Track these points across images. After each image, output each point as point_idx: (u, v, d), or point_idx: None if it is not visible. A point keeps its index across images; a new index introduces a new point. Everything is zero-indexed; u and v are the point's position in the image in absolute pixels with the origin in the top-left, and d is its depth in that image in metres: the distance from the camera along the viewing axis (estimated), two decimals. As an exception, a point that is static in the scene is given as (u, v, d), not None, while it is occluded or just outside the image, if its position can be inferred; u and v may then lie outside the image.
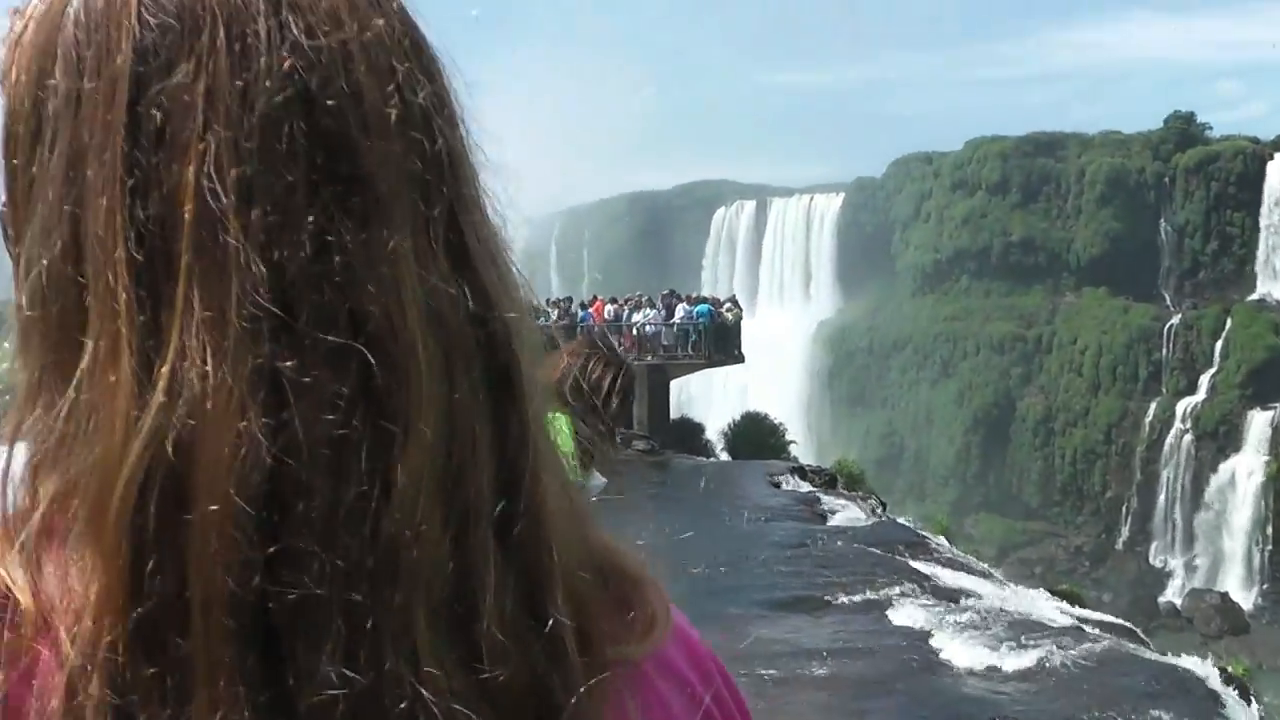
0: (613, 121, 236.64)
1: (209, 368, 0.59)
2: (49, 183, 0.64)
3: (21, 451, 0.65)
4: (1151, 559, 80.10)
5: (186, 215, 0.60)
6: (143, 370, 0.60)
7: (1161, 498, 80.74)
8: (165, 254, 0.61)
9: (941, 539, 22.08)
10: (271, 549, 0.58)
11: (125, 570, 0.58)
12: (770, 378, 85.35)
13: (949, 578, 15.78)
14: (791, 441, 33.14)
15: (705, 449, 31.76)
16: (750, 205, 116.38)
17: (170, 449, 0.59)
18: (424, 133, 0.65)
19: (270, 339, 0.60)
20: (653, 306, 35.51)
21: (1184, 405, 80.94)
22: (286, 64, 0.62)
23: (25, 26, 0.68)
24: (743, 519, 18.98)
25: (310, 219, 0.61)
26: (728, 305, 36.89)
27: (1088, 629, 13.78)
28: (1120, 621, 17.11)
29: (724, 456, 30.79)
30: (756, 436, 31.27)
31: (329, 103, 0.62)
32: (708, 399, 76.55)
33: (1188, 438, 79.93)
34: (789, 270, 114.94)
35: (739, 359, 36.75)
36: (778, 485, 23.33)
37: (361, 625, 0.59)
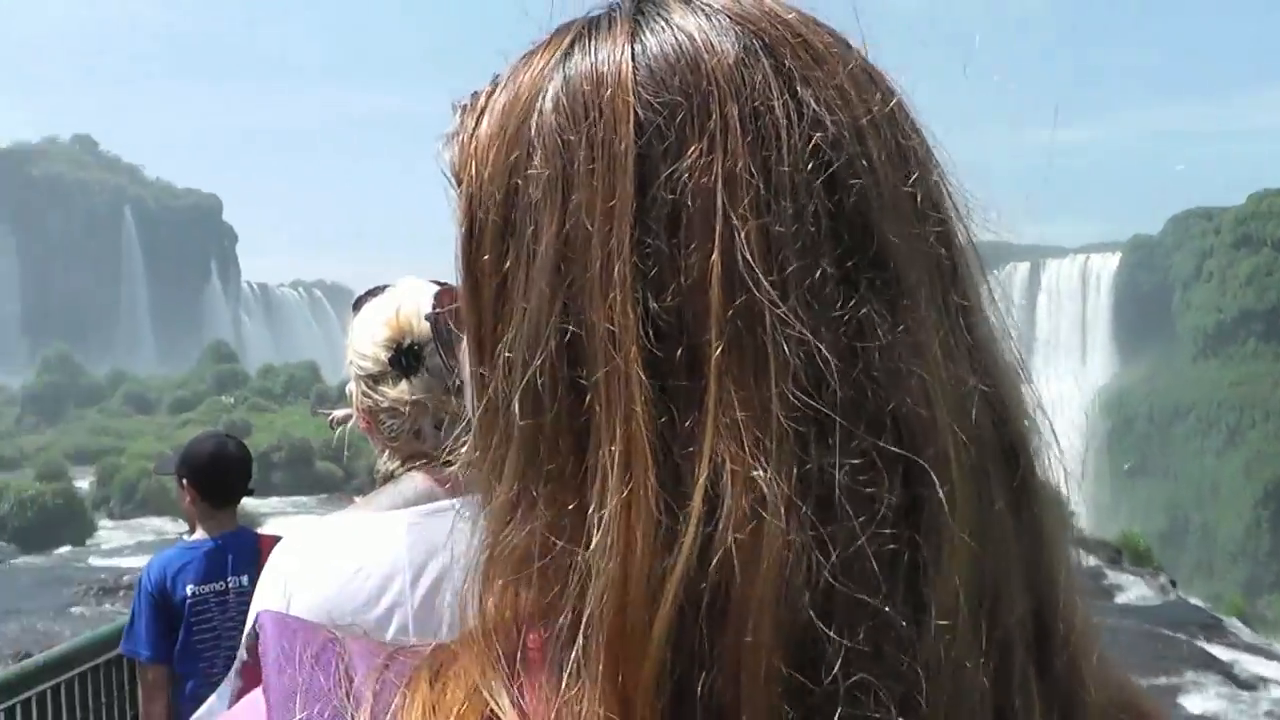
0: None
1: (756, 475, 0.54)
2: (535, 277, 0.59)
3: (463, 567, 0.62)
4: None
5: (714, 306, 0.55)
6: (669, 478, 0.55)
7: None
8: (688, 349, 0.56)
9: (1236, 621, 20.94)
10: (827, 678, 0.53)
11: (651, 697, 0.54)
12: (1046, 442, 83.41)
13: (1248, 663, 14.96)
14: (1070, 512, 33.61)
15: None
16: (1024, 267, 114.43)
17: (713, 567, 0.54)
18: (940, 216, 0.61)
19: (815, 442, 0.55)
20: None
21: None
22: (811, 143, 0.58)
23: (479, 119, 0.66)
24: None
25: (843, 311, 0.56)
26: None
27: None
28: None
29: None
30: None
31: (852, 183, 0.58)
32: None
33: None
34: (1065, 332, 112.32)
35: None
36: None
37: None
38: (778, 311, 0.55)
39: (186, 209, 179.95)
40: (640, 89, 0.59)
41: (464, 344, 0.69)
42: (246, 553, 4.48)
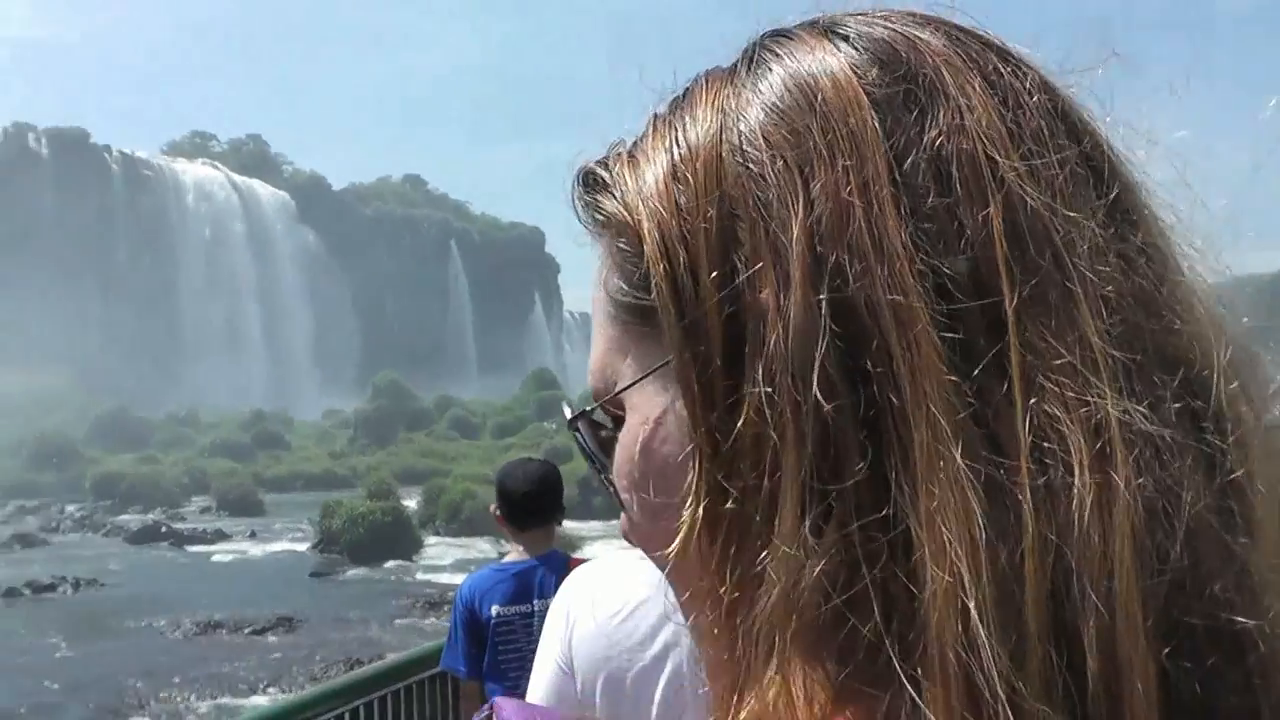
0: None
1: (1080, 427, 0.52)
2: (790, 272, 0.56)
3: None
4: None
5: (1003, 258, 0.54)
6: (985, 448, 0.52)
7: None
8: (982, 307, 0.54)
9: None
10: (1190, 638, 0.51)
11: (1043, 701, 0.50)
12: None
13: None
14: None
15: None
16: None
17: (1058, 534, 0.51)
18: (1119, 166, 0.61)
19: (1130, 387, 0.54)
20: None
21: None
22: (1043, 98, 0.60)
23: (635, 165, 0.65)
24: None
25: (1119, 254, 0.56)
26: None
27: None
28: None
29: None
30: None
31: (1085, 132, 0.60)
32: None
33: None
34: None
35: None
36: None
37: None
38: (1071, 258, 0.55)
39: (511, 242, 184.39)
40: (859, 77, 0.60)
41: (626, 434, 0.66)
42: (554, 576, 4.45)
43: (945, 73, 0.59)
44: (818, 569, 0.53)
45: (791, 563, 0.54)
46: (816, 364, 0.54)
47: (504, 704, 0.73)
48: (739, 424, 0.57)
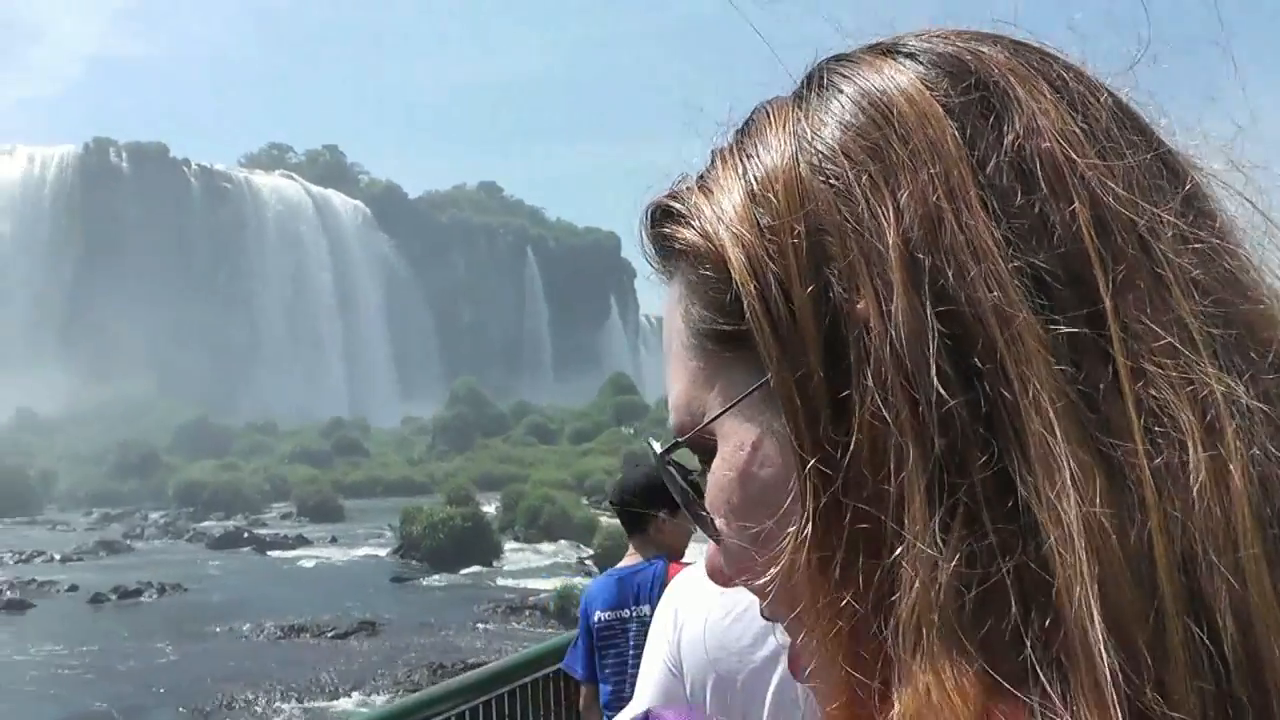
0: None
1: (1188, 405, 0.53)
2: (890, 280, 0.57)
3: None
4: None
5: (1092, 248, 0.56)
6: (1099, 430, 0.54)
7: None
8: (1078, 296, 0.56)
9: None
10: None
11: (1187, 693, 0.50)
12: None
13: None
14: None
15: None
16: None
17: (1180, 509, 0.52)
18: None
19: (1226, 364, 0.55)
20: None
21: None
22: (1110, 98, 0.62)
23: (710, 195, 0.66)
24: None
25: (1201, 241, 0.58)
26: None
27: None
28: None
29: None
30: None
31: (1151, 127, 0.62)
32: None
33: None
34: None
35: None
36: None
37: None
38: (1158, 245, 0.57)
39: (586, 247, 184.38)
40: (931, 89, 0.61)
41: (721, 463, 0.66)
42: (652, 582, 4.51)
43: (1013, 80, 0.61)
44: (952, 564, 0.54)
45: (927, 560, 0.54)
46: (931, 364, 0.55)
47: (662, 714, 0.65)
48: (854, 431, 0.58)
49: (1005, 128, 0.59)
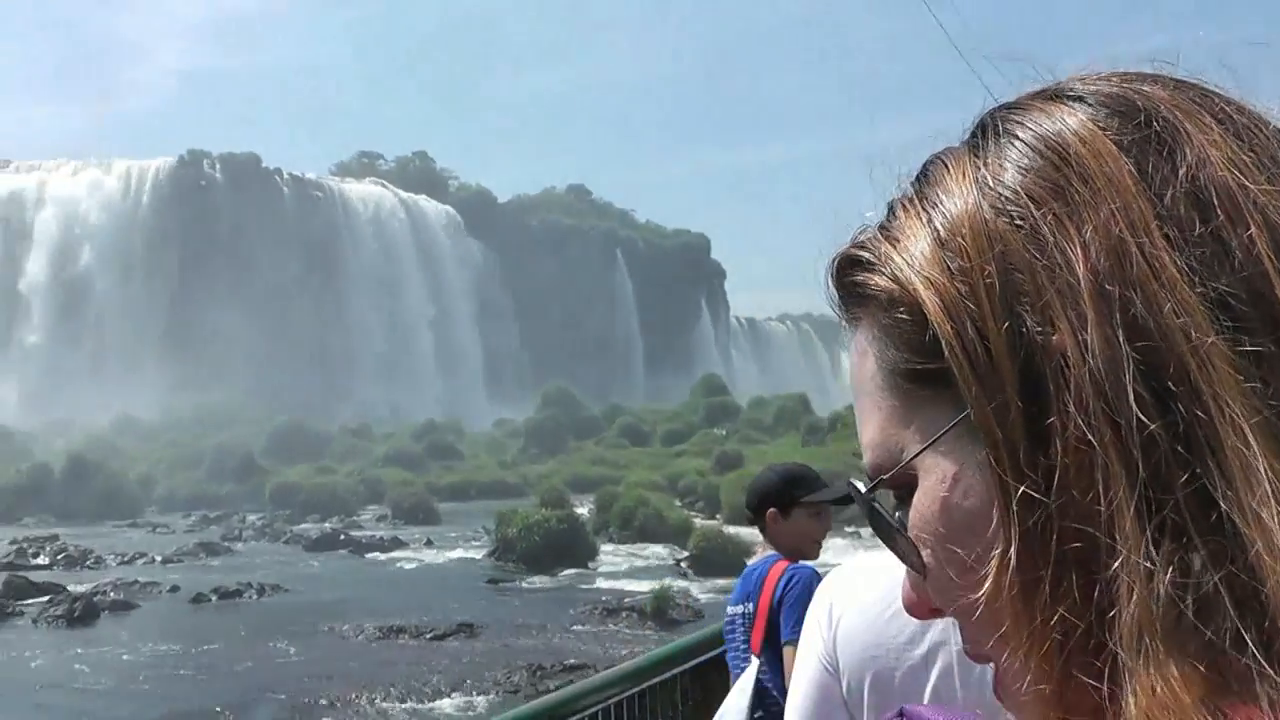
0: None
1: None
2: (1083, 313, 0.60)
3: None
4: None
5: (1273, 273, 0.59)
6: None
7: None
8: (1263, 318, 0.58)
9: None
10: None
11: None
12: None
13: None
14: None
15: None
16: None
17: None
18: None
19: None
20: None
21: None
22: (1270, 129, 0.64)
23: (896, 244, 0.69)
24: None
25: None
26: None
27: None
28: None
29: None
30: None
31: None
32: None
33: None
34: None
35: None
36: None
37: None
38: None
39: (676, 249, 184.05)
40: (1103, 129, 0.64)
41: (923, 496, 0.68)
42: (754, 581, 4.60)
43: (1180, 115, 0.64)
44: (1167, 575, 0.56)
45: (1144, 573, 0.56)
46: (1129, 389, 0.58)
47: (914, 711, 0.75)
48: (1059, 455, 0.60)
49: (1178, 160, 0.62)
